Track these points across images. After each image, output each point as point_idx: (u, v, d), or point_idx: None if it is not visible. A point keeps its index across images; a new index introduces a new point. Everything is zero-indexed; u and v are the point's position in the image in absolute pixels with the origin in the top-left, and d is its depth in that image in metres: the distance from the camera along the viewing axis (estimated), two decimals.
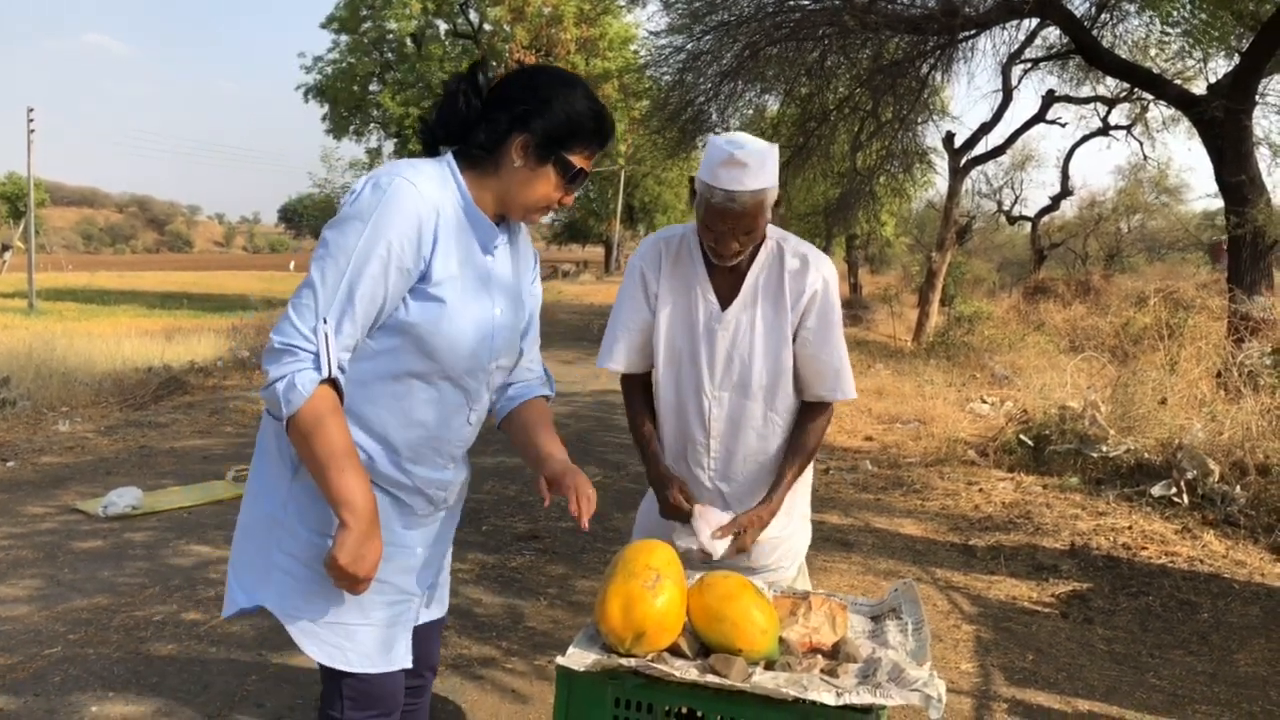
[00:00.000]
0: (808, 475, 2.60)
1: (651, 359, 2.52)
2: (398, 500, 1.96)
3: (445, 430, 1.97)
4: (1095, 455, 7.14)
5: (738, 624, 1.94)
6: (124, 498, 5.73)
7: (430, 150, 1.96)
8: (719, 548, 2.33)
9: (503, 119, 1.88)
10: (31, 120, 35.57)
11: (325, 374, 1.74)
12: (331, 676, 1.96)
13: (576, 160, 1.92)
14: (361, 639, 1.94)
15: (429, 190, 1.82)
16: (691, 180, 2.32)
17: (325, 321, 1.74)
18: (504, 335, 2.00)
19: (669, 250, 2.48)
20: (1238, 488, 6.20)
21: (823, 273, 2.39)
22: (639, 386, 2.60)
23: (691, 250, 2.45)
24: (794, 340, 2.40)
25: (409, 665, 2.03)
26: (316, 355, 1.74)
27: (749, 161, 2.18)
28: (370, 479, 1.87)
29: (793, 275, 2.39)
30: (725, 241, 2.28)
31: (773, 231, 2.43)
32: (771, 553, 2.52)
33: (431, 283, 1.84)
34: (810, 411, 2.48)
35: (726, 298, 2.42)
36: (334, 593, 1.88)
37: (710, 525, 2.35)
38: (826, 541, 5.53)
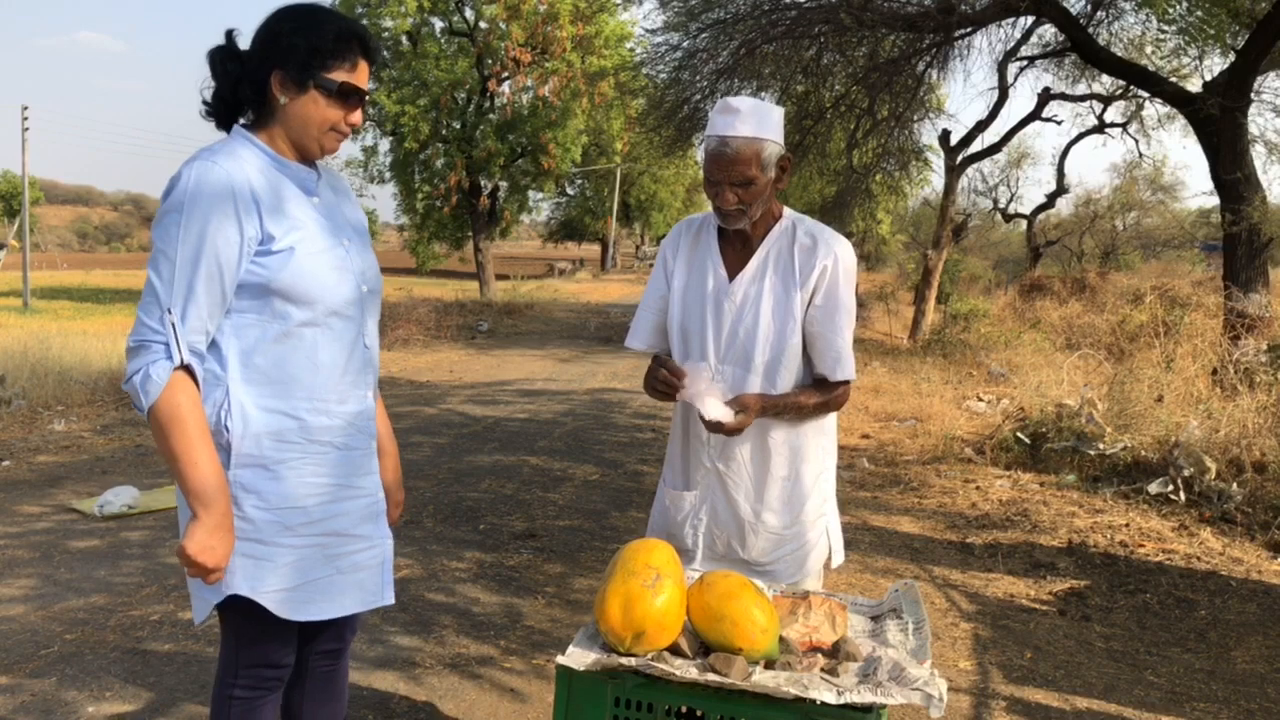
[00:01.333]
0: (828, 487, 2.53)
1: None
2: (344, 450, 2.07)
3: (351, 361, 2.08)
4: (1092, 453, 7.15)
5: (738, 623, 1.94)
6: (120, 497, 5.71)
7: (223, 125, 2.04)
8: (711, 407, 2.32)
9: (255, 68, 1.97)
10: (26, 119, 35.51)
11: (177, 361, 1.85)
12: (225, 640, 2.10)
13: (338, 77, 1.98)
14: (334, 590, 2.07)
15: (229, 162, 1.91)
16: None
17: (170, 312, 1.85)
18: (360, 261, 2.11)
19: (690, 230, 2.55)
20: (1234, 485, 6.21)
21: (835, 250, 2.38)
22: None
23: (710, 227, 2.50)
24: (805, 317, 2.40)
25: (390, 602, 2.18)
26: (167, 344, 1.85)
27: (741, 108, 2.28)
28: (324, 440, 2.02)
29: (804, 251, 2.39)
30: (722, 193, 2.31)
31: (789, 213, 2.46)
32: (772, 550, 2.47)
33: (275, 240, 1.94)
34: (823, 381, 2.46)
35: (735, 270, 2.44)
36: (299, 558, 2.00)
37: (702, 383, 2.34)
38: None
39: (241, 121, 2.05)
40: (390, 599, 2.18)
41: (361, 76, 2.02)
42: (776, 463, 2.44)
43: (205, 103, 2.02)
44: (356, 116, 2.04)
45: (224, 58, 1.98)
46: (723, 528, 2.48)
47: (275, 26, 1.97)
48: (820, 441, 2.50)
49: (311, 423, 2.01)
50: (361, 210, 2.26)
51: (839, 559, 2.59)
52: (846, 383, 2.45)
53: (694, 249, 2.52)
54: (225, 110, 2.02)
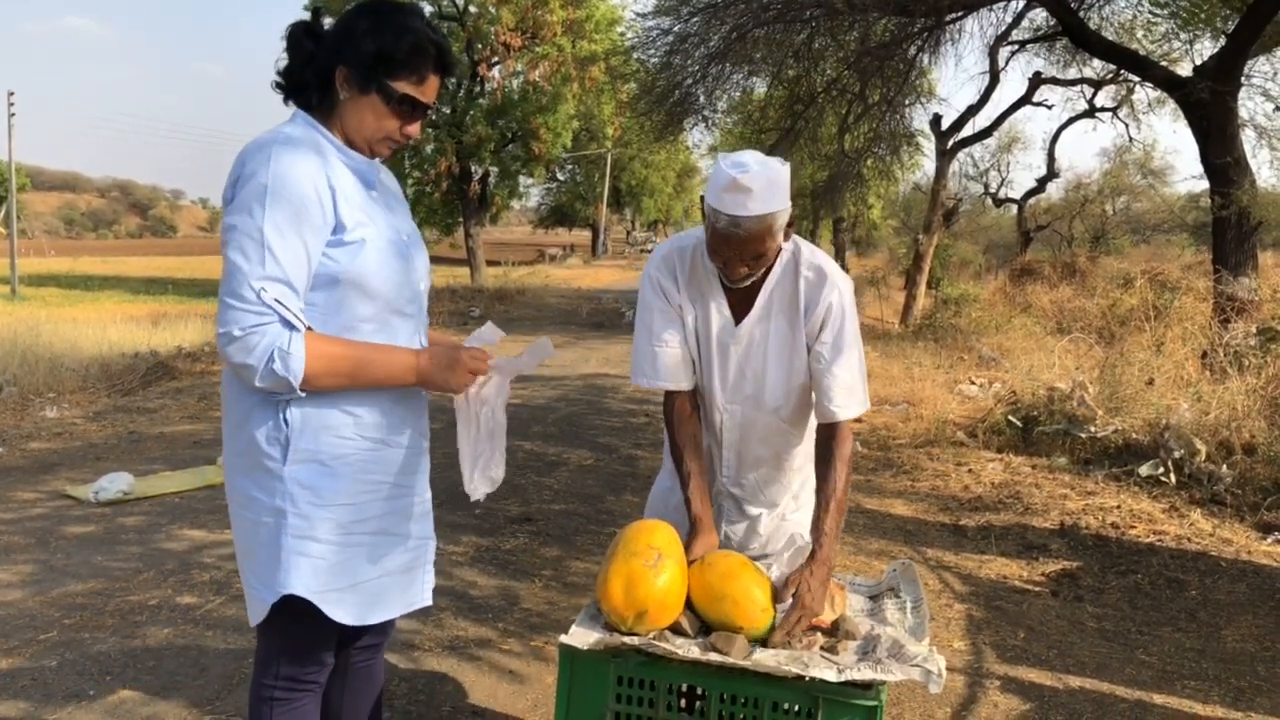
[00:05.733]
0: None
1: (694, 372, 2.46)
2: (396, 448, 2.03)
3: None
4: (1083, 435, 7.19)
5: (739, 602, 1.96)
6: (115, 483, 5.71)
7: (293, 98, 2.00)
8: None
9: (325, 56, 1.94)
10: (12, 104, 35.26)
11: (301, 327, 1.82)
12: (267, 640, 2.05)
13: (402, 88, 1.93)
14: (379, 591, 2.03)
15: (304, 149, 1.88)
16: (701, 199, 2.25)
17: (265, 290, 1.78)
18: (418, 254, 2.08)
19: (683, 263, 2.41)
20: (1224, 467, 6.26)
21: (839, 287, 2.32)
22: (684, 405, 2.44)
23: (706, 262, 2.35)
24: (809, 353, 2.35)
25: (429, 603, 2.14)
26: (281, 318, 1.79)
27: (753, 186, 2.10)
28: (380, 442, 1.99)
29: (809, 288, 2.32)
30: (733, 266, 2.22)
31: (787, 244, 2.35)
32: (781, 538, 2.50)
33: (347, 230, 1.89)
34: (827, 444, 2.33)
35: (740, 311, 2.37)
36: (349, 558, 1.96)
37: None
38: None
39: (301, 105, 2.00)
40: (429, 600, 2.14)
41: (429, 90, 1.97)
42: (794, 479, 2.52)
43: (278, 73, 1.99)
44: (414, 129, 2.00)
45: (303, 34, 1.96)
46: (739, 533, 2.54)
47: (353, 21, 1.93)
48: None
49: (368, 420, 1.96)
50: (407, 206, 2.19)
51: None
52: (858, 418, 2.44)
53: (692, 284, 2.40)
54: (294, 86, 1.98)
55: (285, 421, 1.89)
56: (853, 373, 2.32)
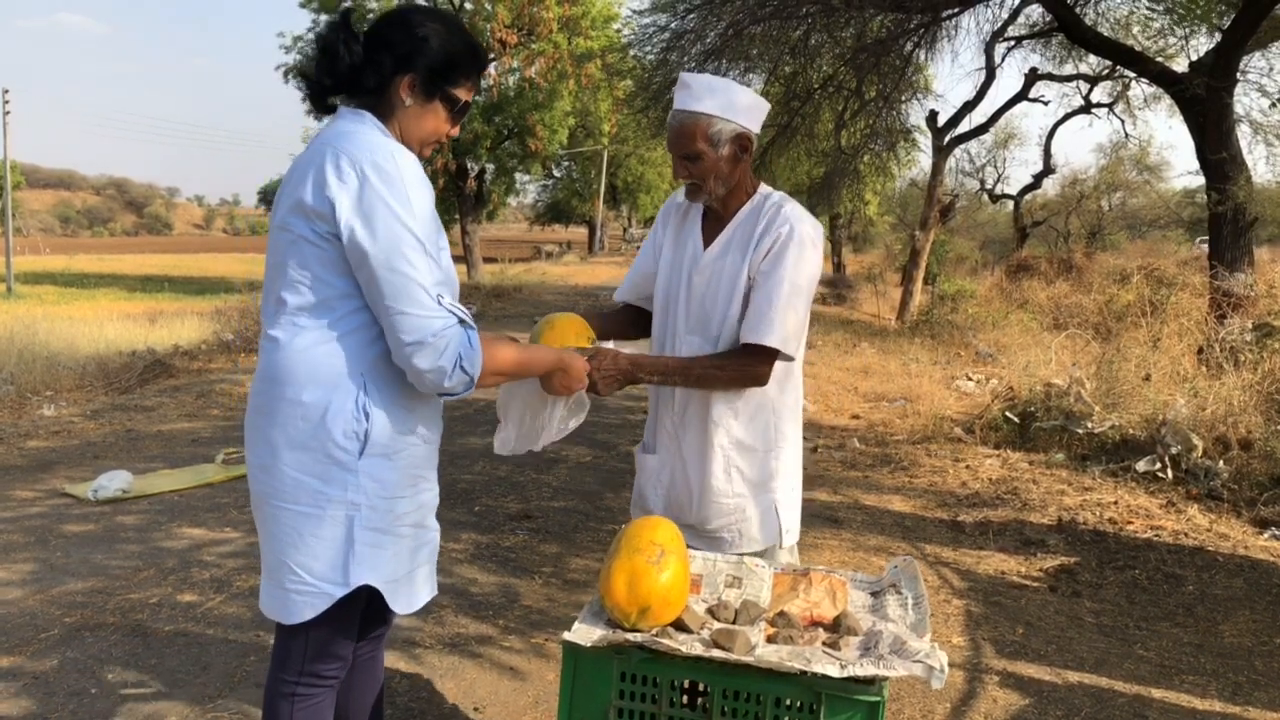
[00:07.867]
0: (781, 465, 2.49)
1: (644, 296, 2.66)
2: (428, 444, 2.09)
3: None
4: (1080, 431, 7.21)
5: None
6: (114, 481, 5.70)
7: (320, 104, 2.02)
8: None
9: (386, 61, 1.95)
10: (6, 102, 35.18)
11: (474, 325, 1.94)
12: (292, 635, 2.04)
13: (461, 93, 2.03)
14: (417, 580, 2.11)
15: (406, 150, 1.93)
16: None
17: (442, 296, 1.88)
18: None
19: (681, 204, 2.59)
20: (1220, 462, 6.28)
21: (791, 222, 2.35)
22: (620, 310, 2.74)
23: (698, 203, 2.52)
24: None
25: (436, 592, 2.19)
26: (459, 319, 1.89)
27: (691, 84, 2.33)
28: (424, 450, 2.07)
29: (766, 222, 2.39)
30: (676, 166, 2.39)
31: (764, 190, 2.48)
32: (714, 517, 2.47)
33: (440, 235, 1.98)
34: (745, 350, 2.36)
35: (710, 245, 2.48)
36: (401, 551, 2.03)
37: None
38: (816, 519, 5.57)
39: (348, 104, 2.01)
40: (436, 590, 2.19)
41: (472, 92, 2.08)
42: (718, 432, 2.44)
43: (305, 77, 2.00)
44: (456, 130, 2.10)
45: (346, 38, 1.94)
46: (677, 491, 2.52)
47: (415, 29, 1.95)
48: (769, 419, 2.47)
49: (415, 415, 2.02)
50: None
51: (790, 539, 2.55)
52: (767, 355, 2.35)
53: (681, 223, 2.57)
54: (331, 88, 1.99)
55: (366, 415, 1.92)
56: (773, 303, 2.32)
